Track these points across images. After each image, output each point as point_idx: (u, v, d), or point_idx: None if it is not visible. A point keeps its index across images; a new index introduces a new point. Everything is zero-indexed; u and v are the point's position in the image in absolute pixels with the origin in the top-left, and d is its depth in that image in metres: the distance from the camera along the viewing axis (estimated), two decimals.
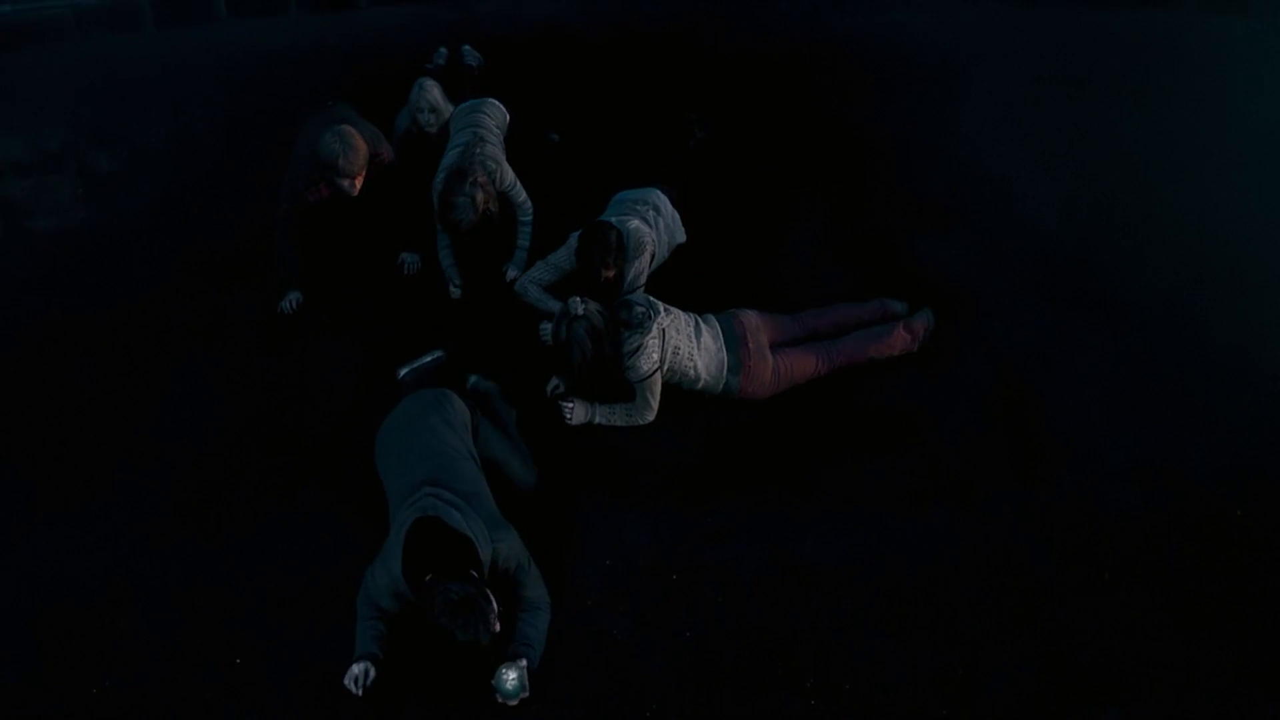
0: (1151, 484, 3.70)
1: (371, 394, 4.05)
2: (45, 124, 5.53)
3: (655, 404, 3.85)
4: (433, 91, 4.82)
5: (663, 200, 4.41)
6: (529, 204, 4.51)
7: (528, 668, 3.08)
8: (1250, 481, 3.71)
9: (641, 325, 3.72)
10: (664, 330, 3.76)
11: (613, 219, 4.19)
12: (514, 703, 3.03)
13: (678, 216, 4.43)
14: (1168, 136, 5.49)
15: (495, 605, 2.94)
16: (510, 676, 3.03)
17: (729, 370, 3.88)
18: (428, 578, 2.91)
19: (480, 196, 4.21)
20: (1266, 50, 6.26)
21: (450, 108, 4.83)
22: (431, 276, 4.61)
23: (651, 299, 3.83)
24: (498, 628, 2.93)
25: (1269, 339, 4.27)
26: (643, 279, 4.21)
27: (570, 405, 3.86)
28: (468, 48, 5.20)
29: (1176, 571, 3.42)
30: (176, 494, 3.67)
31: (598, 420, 3.89)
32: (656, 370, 3.76)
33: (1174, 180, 5.17)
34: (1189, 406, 4.00)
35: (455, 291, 4.55)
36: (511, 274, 4.58)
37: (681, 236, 4.49)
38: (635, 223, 4.20)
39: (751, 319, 3.98)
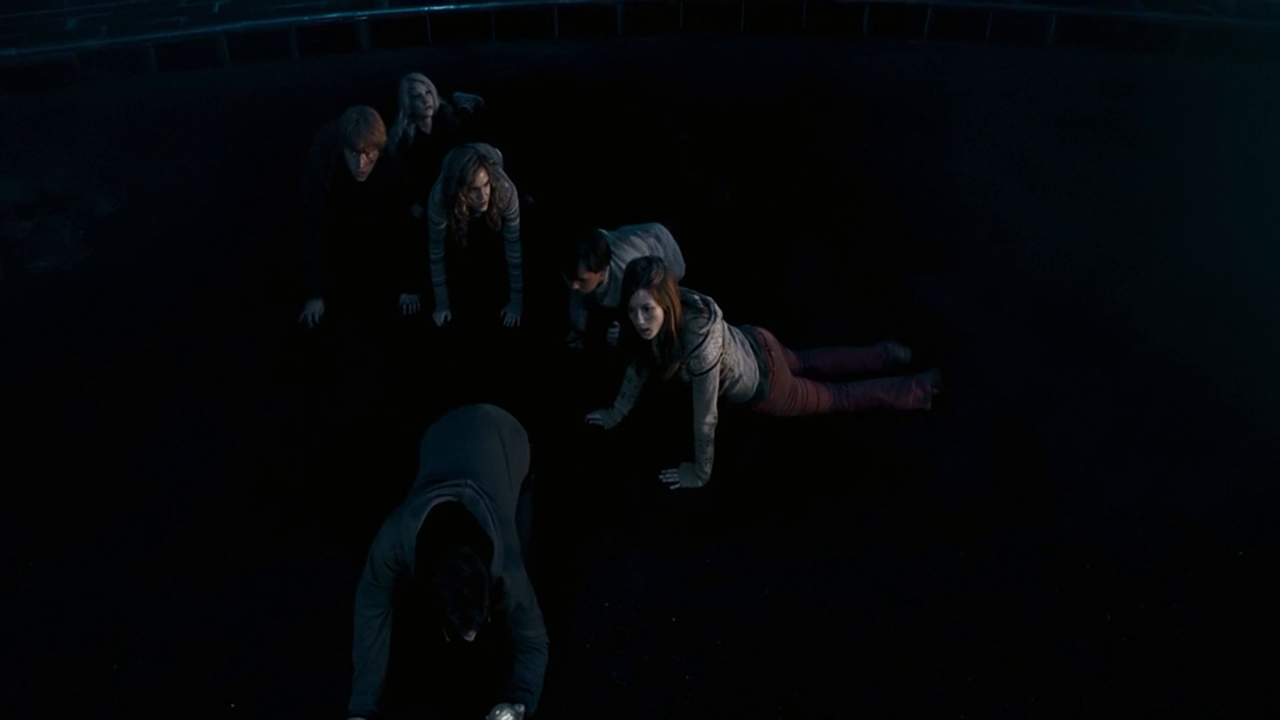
0: (1152, 525, 3.69)
1: (371, 436, 4.04)
2: (48, 166, 5.56)
3: (715, 402, 3.71)
4: (419, 77, 4.80)
5: (664, 234, 4.43)
6: (519, 245, 4.45)
7: (525, 713, 3.04)
8: (1251, 522, 3.69)
9: (710, 311, 3.64)
10: (721, 321, 3.70)
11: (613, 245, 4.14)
12: None
13: (678, 250, 4.45)
14: (1162, 177, 5.54)
15: (488, 613, 2.87)
16: (505, 718, 3.00)
17: (760, 373, 3.88)
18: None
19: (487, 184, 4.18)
20: (1259, 92, 6.33)
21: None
22: (432, 316, 4.62)
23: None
24: (472, 637, 2.87)
25: (1267, 378, 4.28)
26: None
27: (680, 480, 3.86)
28: (459, 93, 5.21)
29: (1179, 614, 3.40)
30: (174, 536, 3.64)
31: (705, 474, 3.83)
32: (719, 362, 3.67)
33: (1170, 220, 5.20)
34: (1188, 447, 4.00)
35: (440, 317, 4.55)
36: (510, 319, 4.59)
37: (680, 270, 4.50)
38: (632, 255, 4.18)
39: (768, 334, 4.00)
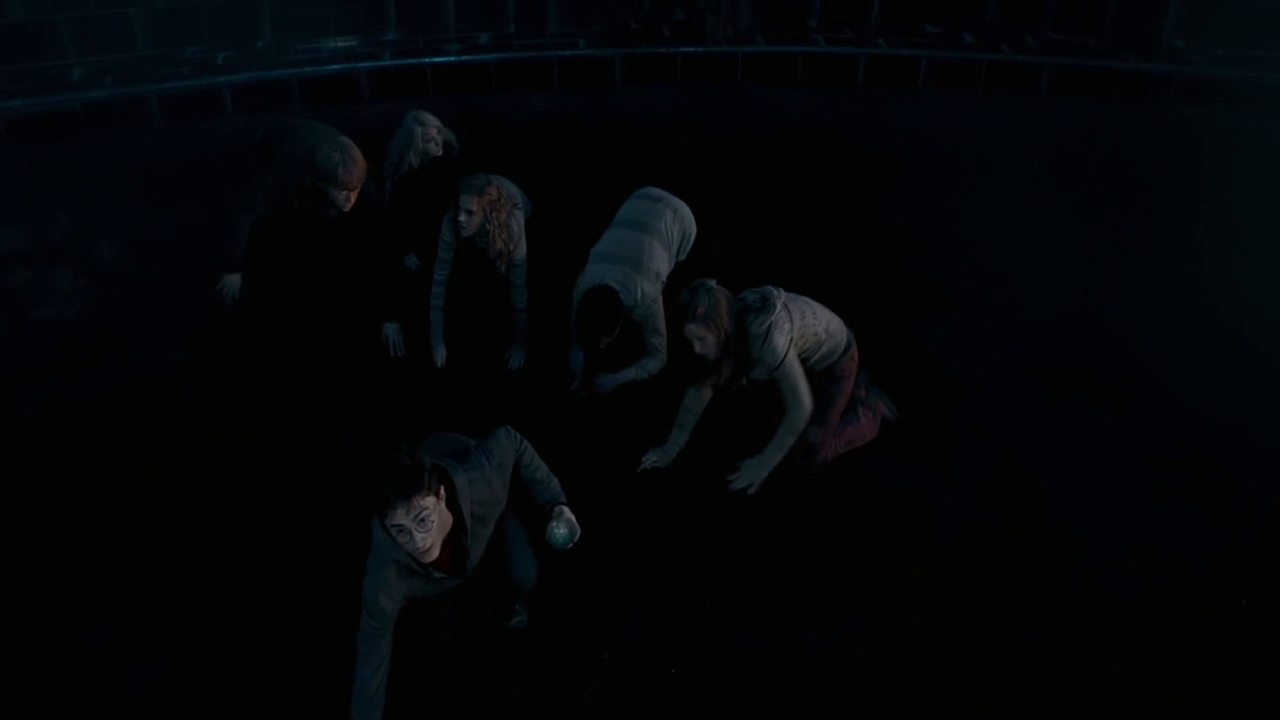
0: (1154, 571, 3.67)
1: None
2: (50, 214, 5.59)
3: (804, 388, 3.68)
4: (428, 119, 4.85)
5: (685, 209, 4.43)
6: (525, 290, 4.43)
7: (567, 508, 3.10)
8: (1254, 568, 3.67)
9: (766, 305, 3.62)
10: (784, 305, 3.67)
11: (612, 282, 4.09)
12: (570, 546, 3.08)
13: (692, 234, 4.45)
14: (1155, 224, 5.59)
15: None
16: (560, 529, 3.05)
17: (845, 325, 3.87)
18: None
19: (483, 206, 4.15)
20: (1249, 140, 6.41)
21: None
22: (427, 355, 4.63)
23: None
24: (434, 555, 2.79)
25: (1265, 422, 4.28)
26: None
27: (750, 483, 3.83)
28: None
29: (1183, 662, 3.37)
30: (168, 584, 3.61)
31: (773, 463, 3.80)
32: (791, 346, 3.63)
33: (1164, 267, 5.24)
34: (1188, 492, 3.98)
35: (439, 356, 4.56)
36: (515, 362, 4.58)
37: (684, 255, 4.51)
38: (645, 286, 4.16)
39: None
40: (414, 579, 2.92)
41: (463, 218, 4.16)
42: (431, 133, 4.83)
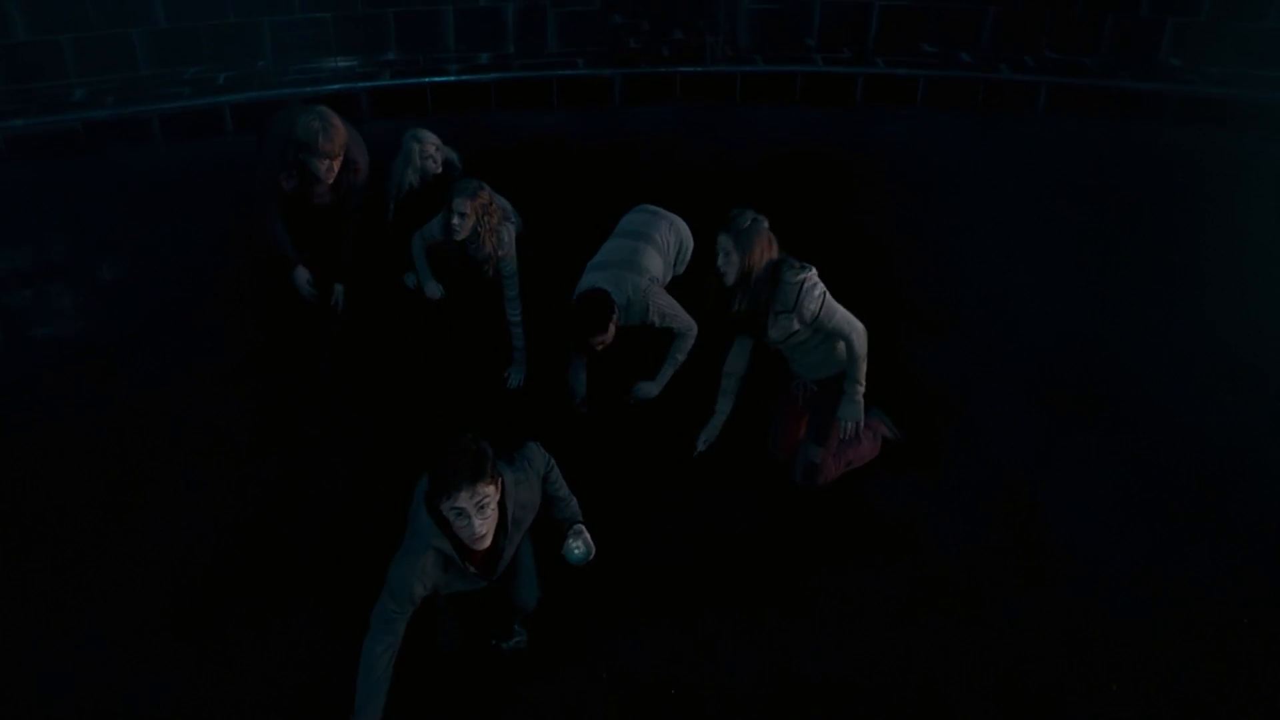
0: (1156, 591, 3.65)
1: (363, 506, 4.01)
2: (51, 234, 5.61)
3: (851, 317, 3.66)
4: (427, 136, 4.85)
5: (681, 223, 4.45)
6: (518, 302, 4.41)
7: (585, 529, 3.15)
8: (1256, 587, 3.66)
9: (805, 266, 3.56)
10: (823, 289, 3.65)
11: (609, 287, 4.08)
12: (583, 565, 3.15)
13: (689, 248, 4.48)
14: (1152, 243, 5.60)
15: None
16: (576, 546, 3.12)
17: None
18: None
19: (475, 209, 4.16)
20: (1244, 159, 6.44)
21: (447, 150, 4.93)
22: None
23: None
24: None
25: (1264, 443, 4.27)
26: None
27: (853, 420, 3.78)
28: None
29: (1186, 682, 3.35)
30: (163, 607, 3.59)
31: (862, 390, 3.75)
32: (825, 296, 3.59)
33: (1161, 286, 5.25)
34: (1189, 511, 3.98)
35: (433, 290, 4.60)
36: (514, 380, 4.58)
37: (681, 268, 4.51)
38: (634, 279, 4.14)
39: None
40: (449, 572, 2.89)
41: (455, 220, 4.18)
42: (429, 149, 4.83)
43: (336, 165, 4.18)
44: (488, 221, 4.22)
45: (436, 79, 7.01)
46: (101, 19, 6.76)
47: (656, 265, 4.28)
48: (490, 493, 2.70)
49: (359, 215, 4.56)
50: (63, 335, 4.90)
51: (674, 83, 7.20)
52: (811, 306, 3.54)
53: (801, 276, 3.53)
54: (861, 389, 3.77)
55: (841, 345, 3.73)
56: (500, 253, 4.30)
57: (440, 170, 4.89)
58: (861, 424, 3.82)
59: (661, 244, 4.35)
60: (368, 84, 6.90)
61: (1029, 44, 7.50)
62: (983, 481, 4.12)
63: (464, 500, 2.65)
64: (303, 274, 4.55)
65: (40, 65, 6.77)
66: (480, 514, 2.70)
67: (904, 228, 5.74)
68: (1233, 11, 7.12)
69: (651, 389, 4.35)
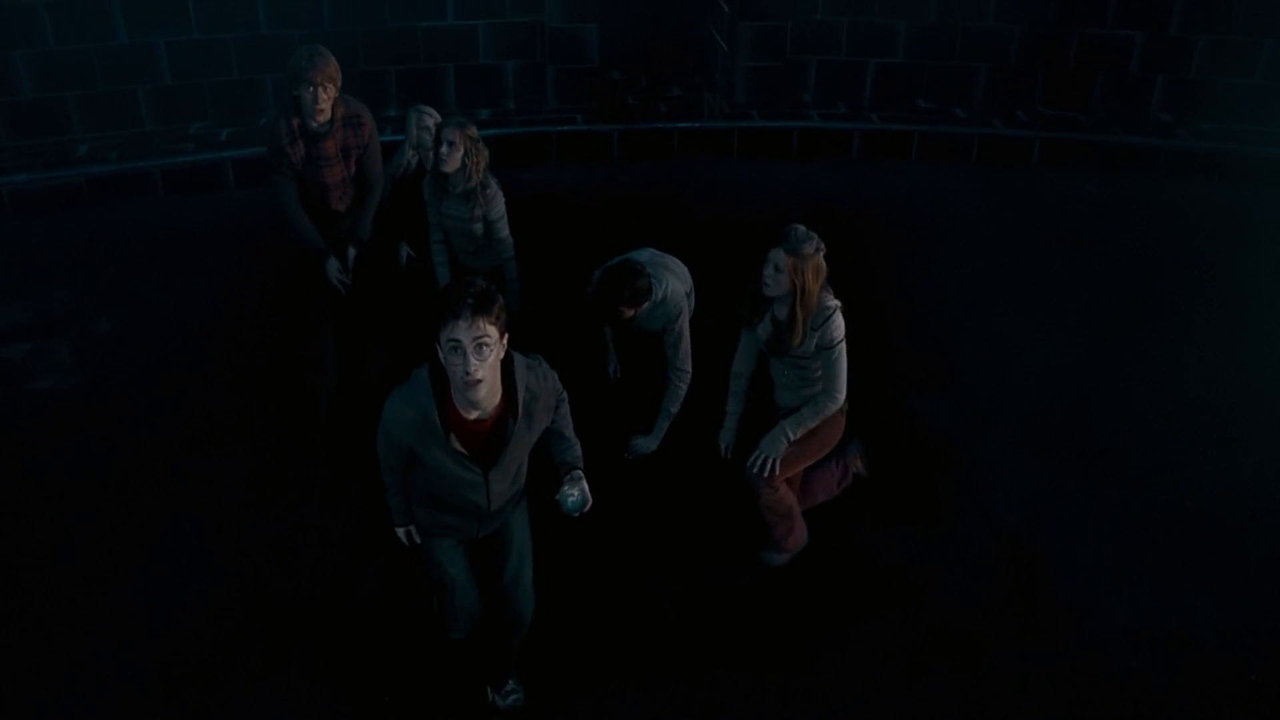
0: (1159, 645, 3.61)
1: (363, 559, 3.98)
2: (51, 287, 5.63)
3: (845, 377, 3.66)
4: (427, 109, 4.86)
5: (682, 269, 4.41)
6: (510, 241, 4.45)
7: (583, 476, 2.99)
8: (1262, 643, 3.61)
9: (834, 299, 3.59)
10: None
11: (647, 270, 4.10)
12: (578, 514, 2.99)
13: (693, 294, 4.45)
14: (1147, 295, 5.63)
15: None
16: (573, 494, 2.94)
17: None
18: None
19: (465, 140, 4.17)
20: (1236, 212, 6.50)
21: None
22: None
23: None
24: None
25: (1267, 492, 4.25)
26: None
27: (766, 456, 3.71)
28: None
29: None
30: (163, 663, 3.54)
31: (792, 436, 3.69)
32: (844, 338, 3.61)
33: (1156, 337, 5.26)
34: (1191, 563, 3.95)
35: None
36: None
37: (691, 308, 4.45)
38: (674, 284, 4.16)
39: None
40: (428, 440, 2.74)
41: (444, 149, 4.19)
42: (426, 121, 4.82)
43: (323, 96, 4.10)
44: (475, 154, 4.23)
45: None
46: (107, 77, 6.87)
47: (687, 281, 4.33)
48: (491, 334, 2.53)
49: (381, 182, 4.58)
50: (60, 388, 4.90)
51: (672, 138, 7.29)
52: (834, 334, 3.57)
53: (836, 303, 3.59)
54: (791, 437, 3.71)
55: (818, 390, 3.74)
56: (482, 182, 4.30)
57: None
58: (772, 463, 3.73)
59: (681, 275, 4.37)
60: None
61: (1021, 99, 7.61)
62: (983, 535, 4.09)
63: (462, 331, 2.49)
64: (334, 265, 4.46)
65: (46, 122, 6.86)
66: (477, 353, 2.52)
67: (900, 280, 5.77)
68: (1222, 69, 7.24)
69: (650, 444, 4.34)
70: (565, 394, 3.03)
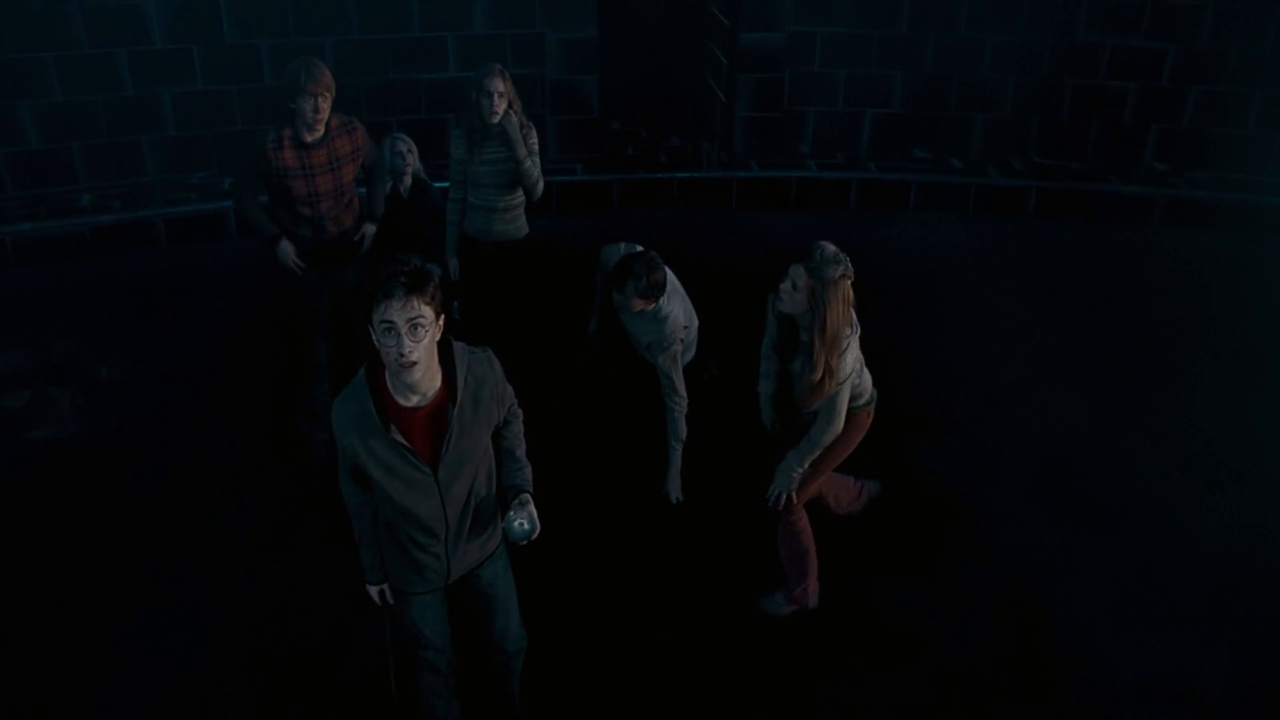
0: (1166, 700, 3.57)
1: (363, 611, 3.94)
2: (52, 336, 5.64)
3: (842, 413, 3.50)
4: (401, 136, 4.97)
5: (689, 306, 4.42)
6: (539, 177, 4.69)
7: (528, 504, 2.80)
8: (1271, 694, 3.58)
9: (854, 328, 3.45)
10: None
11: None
12: (525, 543, 2.81)
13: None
14: (1144, 342, 5.65)
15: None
16: (520, 522, 2.75)
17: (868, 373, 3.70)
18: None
19: (509, 87, 4.47)
20: (1231, 260, 6.54)
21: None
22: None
23: None
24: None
25: (1274, 541, 4.23)
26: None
27: (780, 491, 3.63)
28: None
29: None
30: (161, 715, 3.49)
31: (800, 468, 3.59)
32: (851, 375, 3.45)
33: (1155, 385, 5.27)
34: (1198, 614, 3.91)
35: (451, 266, 4.80)
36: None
37: (690, 346, 4.46)
38: (677, 312, 4.18)
39: None
40: (370, 437, 2.63)
41: (493, 100, 4.43)
42: (400, 147, 4.92)
43: (323, 106, 4.18)
44: (514, 97, 4.53)
45: (439, 184, 7.13)
46: (112, 127, 6.94)
47: (689, 313, 4.37)
48: (426, 314, 2.44)
49: (384, 163, 4.70)
50: (60, 437, 4.89)
51: (671, 188, 7.36)
52: (839, 371, 3.38)
53: (849, 337, 3.42)
54: (800, 469, 3.62)
55: (865, 395, 3.68)
56: (528, 124, 4.62)
57: (408, 172, 4.96)
58: (786, 497, 3.67)
59: (687, 311, 4.38)
60: None
61: (1016, 150, 7.70)
62: (987, 586, 4.06)
63: (395, 312, 2.40)
64: (287, 247, 4.46)
65: (51, 171, 6.92)
66: (412, 335, 2.43)
67: (899, 330, 5.79)
68: (1214, 119, 7.34)
69: (672, 480, 4.33)
70: (518, 407, 2.94)
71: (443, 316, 2.54)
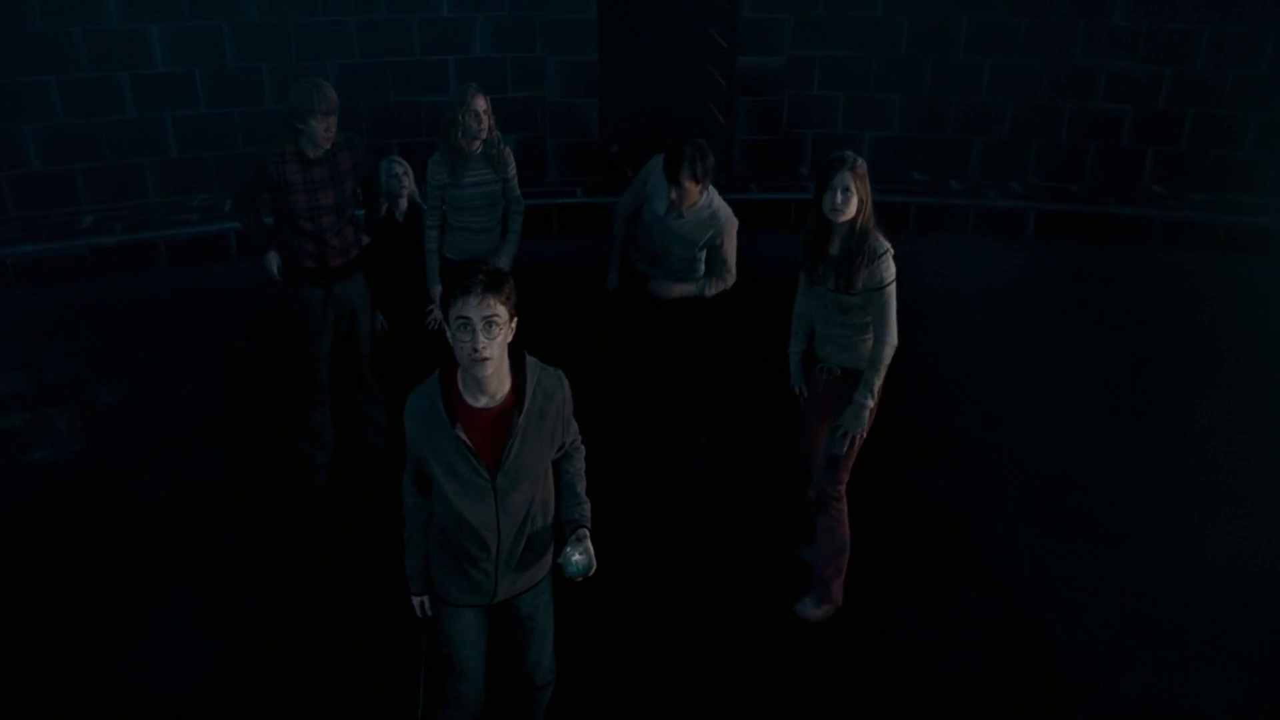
0: None
1: (362, 631, 3.93)
2: (52, 357, 5.65)
3: (895, 324, 3.64)
4: (397, 159, 4.95)
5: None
6: (521, 201, 4.72)
7: (589, 537, 2.85)
8: (1275, 718, 3.55)
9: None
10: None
11: None
12: (580, 579, 2.82)
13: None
14: (1143, 363, 5.65)
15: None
16: (578, 558, 2.77)
17: None
18: None
19: (488, 107, 4.44)
20: (1229, 280, 6.56)
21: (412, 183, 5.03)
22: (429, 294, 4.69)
23: None
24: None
25: (1276, 562, 4.22)
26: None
27: (848, 431, 3.70)
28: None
29: None
30: None
31: (871, 403, 3.69)
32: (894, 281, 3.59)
33: (1155, 406, 5.27)
34: (1200, 637, 3.89)
35: (435, 292, 4.67)
36: (502, 262, 4.66)
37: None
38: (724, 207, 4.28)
39: None
40: (436, 434, 2.66)
41: (479, 122, 4.41)
42: (396, 169, 4.90)
43: (333, 125, 4.25)
44: (492, 118, 4.52)
45: None
46: (114, 150, 6.98)
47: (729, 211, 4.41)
48: (501, 314, 2.55)
49: (377, 184, 4.75)
50: (59, 459, 4.88)
51: None
52: (884, 275, 3.57)
53: (889, 246, 3.60)
54: (871, 403, 3.70)
55: (870, 342, 3.72)
56: (505, 149, 4.64)
57: (404, 195, 4.94)
58: (859, 439, 3.73)
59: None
60: None
61: (1015, 172, 7.73)
62: (988, 608, 4.04)
63: (471, 308, 2.51)
64: (273, 258, 4.49)
65: (53, 193, 6.95)
66: (486, 331, 2.53)
67: (898, 350, 5.77)
68: (1212, 141, 7.38)
69: (664, 287, 4.42)
70: (582, 443, 2.98)
71: (516, 319, 2.63)
